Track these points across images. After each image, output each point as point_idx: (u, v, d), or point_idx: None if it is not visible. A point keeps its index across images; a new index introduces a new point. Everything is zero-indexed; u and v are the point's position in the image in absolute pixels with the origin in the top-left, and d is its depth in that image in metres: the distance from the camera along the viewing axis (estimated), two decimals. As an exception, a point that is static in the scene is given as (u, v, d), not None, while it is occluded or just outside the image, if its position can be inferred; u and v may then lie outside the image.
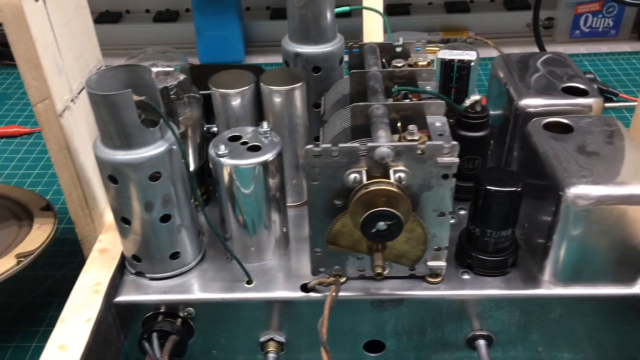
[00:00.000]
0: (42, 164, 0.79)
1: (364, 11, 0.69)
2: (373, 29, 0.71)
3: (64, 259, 0.63)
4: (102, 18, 1.12)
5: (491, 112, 0.58)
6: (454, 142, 0.40)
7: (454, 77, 0.58)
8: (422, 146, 0.39)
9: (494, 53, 0.77)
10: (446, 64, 0.57)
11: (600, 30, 1.07)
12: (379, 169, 0.40)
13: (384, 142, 0.40)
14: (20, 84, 1.00)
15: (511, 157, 0.54)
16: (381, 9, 0.72)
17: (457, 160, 0.40)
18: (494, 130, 0.57)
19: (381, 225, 0.38)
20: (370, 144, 0.39)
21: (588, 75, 0.69)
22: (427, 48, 1.06)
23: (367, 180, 0.40)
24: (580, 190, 0.41)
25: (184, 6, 1.13)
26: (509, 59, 0.58)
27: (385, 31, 0.74)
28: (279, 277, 0.47)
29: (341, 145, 0.40)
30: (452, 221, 0.52)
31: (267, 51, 1.09)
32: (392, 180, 0.39)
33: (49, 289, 0.60)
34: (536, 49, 1.03)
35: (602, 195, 0.41)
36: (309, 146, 0.40)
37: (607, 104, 0.77)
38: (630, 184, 0.41)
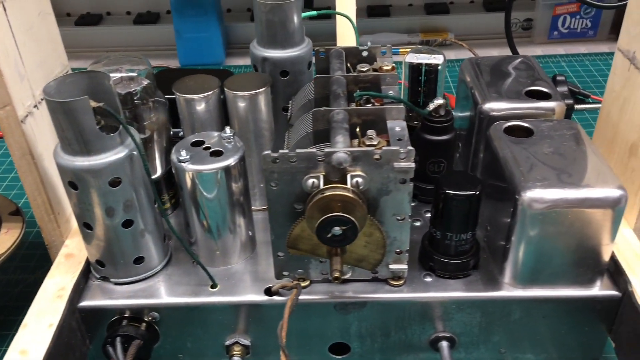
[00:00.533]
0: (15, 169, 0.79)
1: (337, 18, 0.69)
2: (346, 33, 0.71)
3: (35, 263, 0.63)
4: (82, 20, 1.12)
5: (459, 114, 0.58)
6: (410, 147, 0.40)
7: (422, 80, 0.59)
8: (379, 151, 0.40)
9: (470, 55, 0.77)
10: (414, 68, 0.58)
11: (578, 31, 1.08)
12: (337, 174, 0.41)
13: (341, 148, 0.40)
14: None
15: (477, 160, 0.54)
16: (353, 12, 0.72)
17: (413, 165, 0.40)
18: (462, 133, 0.58)
19: (336, 230, 0.39)
20: (327, 150, 0.40)
21: (559, 78, 0.70)
22: (404, 49, 1.07)
23: (325, 185, 0.40)
24: (535, 194, 0.41)
25: (164, 8, 1.13)
26: (476, 62, 0.58)
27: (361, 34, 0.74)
28: (244, 281, 0.48)
29: (299, 150, 0.40)
30: (418, 224, 0.53)
31: (247, 53, 1.08)
32: (348, 185, 0.40)
33: (20, 292, 0.60)
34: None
35: (557, 198, 0.41)
36: (267, 152, 0.40)
37: (578, 106, 0.78)
38: (584, 188, 0.41)
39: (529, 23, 1.09)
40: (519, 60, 0.59)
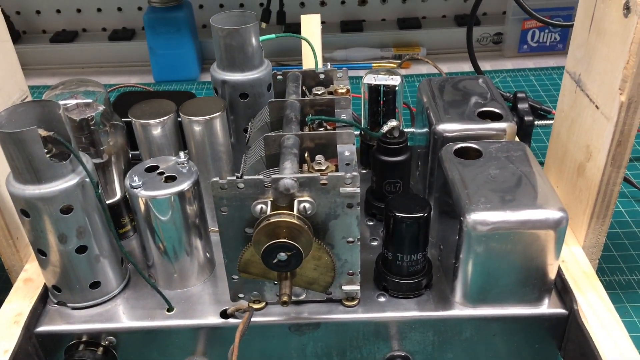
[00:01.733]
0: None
1: (302, 42, 0.70)
2: (311, 53, 0.72)
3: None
4: (58, 37, 1.12)
5: (419, 131, 0.59)
6: (355, 173, 0.41)
7: (381, 100, 0.60)
8: (324, 177, 0.41)
9: (436, 71, 0.79)
10: (372, 89, 0.59)
11: (547, 44, 1.10)
12: (285, 199, 0.42)
13: (287, 174, 0.41)
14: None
15: (433, 178, 0.55)
16: (318, 32, 0.74)
17: (358, 190, 0.41)
18: (421, 151, 0.59)
19: (282, 255, 0.39)
20: (274, 176, 0.41)
21: (519, 95, 0.71)
22: (379, 63, 1.08)
23: (273, 210, 0.41)
24: (479, 217, 0.42)
25: (139, 25, 1.14)
26: (432, 83, 0.59)
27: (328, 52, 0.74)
28: (202, 303, 0.48)
29: (246, 177, 0.41)
30: (375, 243, 0.53)
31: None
32: (295, 211, 0.41)
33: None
34: (486, 64, 1.06)
35: (500, 220, 0.42)
36: (215, 179, 0.41)
37: (539, 122, 0.79)
38: (525, 209, 0.42)
39: (499, 37, 1.11)
40: (475, 80, 0.60)
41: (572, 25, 0.92)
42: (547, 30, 1.09)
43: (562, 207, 0.43)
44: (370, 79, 0.59)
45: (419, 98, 0.60)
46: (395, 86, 0.59)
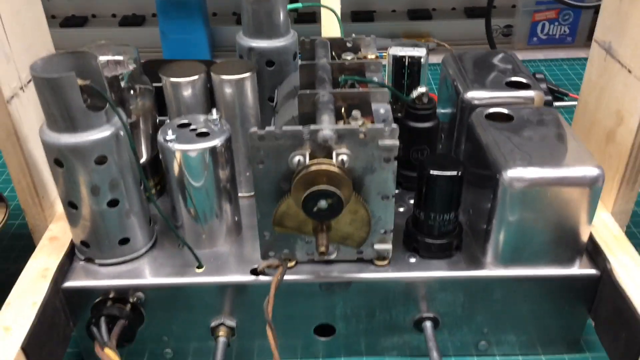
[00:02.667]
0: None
1: (322, 11, 0.70)
2: (330, 29, 0.72)
3: (17, 254, 0.63)
4: (67, 22, 1.12)
5: (442, 111, 0.59)
6: (394, 125, 0.41)
7: (406, 73, 0.60)
8: (364, 129, 0.41)
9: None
10: (397, 60, 0.59)
11: (557, 37, 1.11)
12: (323, 152, 0.41)
13: (326, 126, 0.41)
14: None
15: (459, 150, 0.55)
16: (338, 8, 0.74)
17: (397, 143, 0.41)
18: (444, 126, 0.59)
19: (322, 203, 0.39)
20: (313, 127, 0.41)
21: (538, 76, 0.71)
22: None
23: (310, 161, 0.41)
24: (516, 173, 0.42)
25: (150, 11, 1.14)
26: (458, 57, 0.60)
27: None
28: (230, 262, 0.48)
29: (285, 128, 0.41)
30: (401, 210, 0.53)
31: (233, 56, 1.09)
32: (334, 162, 0.40)
33: (1, 282, 0.60)
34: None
35: (537, 177, 0.42)
36: (254, 129, 0.41)
37: (556, 103, 0.79)
38: (563, 167, 0.42)
39: (509, 29, 1.12)
40: (500, 55, 0.60)
41: (587, 7, 0.93)
42: (556, 23, 1.10)
43: (598, 165, 0.43)
44: (396, 51, 0.59)
45: (443, 71, 0.60)
46: (420, 57, 0.59)
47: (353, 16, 1.14)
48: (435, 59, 1.09)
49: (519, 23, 1.10)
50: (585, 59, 1.05)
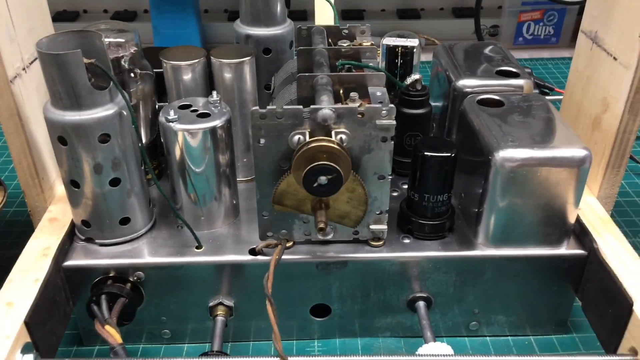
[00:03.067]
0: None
1: (316, 2, 0.72)
2: (324, 20, 0.74)
3: (13, 240, 0.63)
4: (59, 16, 1.12)
5: (433, 103, 0.61)
6: (391, 105, 0.42)
7: (399, 63, 0.61)
8: (362, 109, 0.42)
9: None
10: (390, 50, 0.61)
11: (542, 37, 1.14)
12: (322, 131, 0.43)
13: (326, 105, 0.42)
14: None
15: (451, 138, 0.57)
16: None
17: (394, 122, 0.43)
18: (435, 117, 0.61)
19: (322, 179, 0.40)
20: (313, 107, 0.42)
21: (526, 70, 0.74)
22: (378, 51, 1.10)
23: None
24: (507, 154, 0.44)
25: (141, 7, 1.15)
26: (449, 47, 0.61)
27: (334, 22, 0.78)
28: (228, 243, 0.49)
29: (285, 107, 0.42)
30: (395, 194, 0.55)
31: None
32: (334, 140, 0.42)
33: (-3, 267, 0.60)
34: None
35: (527, 157, 0.44)
36: (255, 108, 0.42)
37: (543, 97, 0.81)
38: (552, 148, 0.44)
39: (496, 29, 1.15)
40: (490, 46, 0.62)
41: (572, 3, 0.95)
42: (541, 24, 1.12)
43: (585, 147, 0.44)
44: (389, 41, 0.61)
45: (435, 62, 0.62)
46: (413, 47, 0.60)
47: (343, 14, 1.15)
48: (424, 57, 1.11)
49: (505, 23, 1.12)
50: (570, 59, 1.09)
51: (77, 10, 1.15)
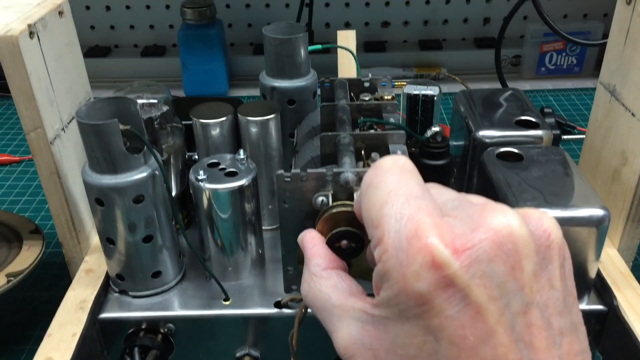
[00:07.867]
0: (31, 191, 0.82)
1: (339, 52, 0.74)
2: (347, 65, 0.76)
3: (50, 281, 0.66)
4: (91, 52, 1.17)
5: (454, 143, 0.62)
6: (412, 169, 0.44)
7: (419, 110, 0.63)
8: (383, 172, 0.43)
9: (462, 88, 0.82)
10: (412, 98, 0.63)
11: (564, 67, 1.14)
12: (344, 192, 0.44)
13: (348, 168, 0.44)
14: (10, 114, 1.04)
15: (471, 185, 0.58)
16: (354, 47, 0.77)
17: (414, 184, 0.44)
18: (456, 160, 0.62)
19: (344, 243, 0.42)
20: (335, 170, 0.43)
21: (547, 110, 0.75)
22: (400, 82, 1.12)
23: (333, 202, 0.44)
24: (526, 213, 0.45)
25: (170, 42, 1.18)
26: (469, 94, 0.63)
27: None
28: (255, 295, 0.51)
29: (309, 170, 0.44)
30: (417, 243, 0.56)
31: (249, 84, 1.13)
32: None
33: (34, 309, 0.63)
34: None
35: (546, 217, 0.45)
36: (280, 171, 0.44)
37: (565, 136, 0.82)
38: (570, 208, 0.45)
39: (518, 59, 1.15)
40: (509, 92, 0.63)
41: (592, 45, 0.95)
42: (564, 54, 1.13)
43: (604, 206, 0.45)
44: (410, 89, 0.63)
45: (455, 109, 0.63)
46: (434, 96, 0.62)
47: (366, 47, 1.17)
48: (446, 88, 1.12)
49: (527, 53, 1.13)
50: (593, 89, 1.09)
51: (108, 45, 1.19)
